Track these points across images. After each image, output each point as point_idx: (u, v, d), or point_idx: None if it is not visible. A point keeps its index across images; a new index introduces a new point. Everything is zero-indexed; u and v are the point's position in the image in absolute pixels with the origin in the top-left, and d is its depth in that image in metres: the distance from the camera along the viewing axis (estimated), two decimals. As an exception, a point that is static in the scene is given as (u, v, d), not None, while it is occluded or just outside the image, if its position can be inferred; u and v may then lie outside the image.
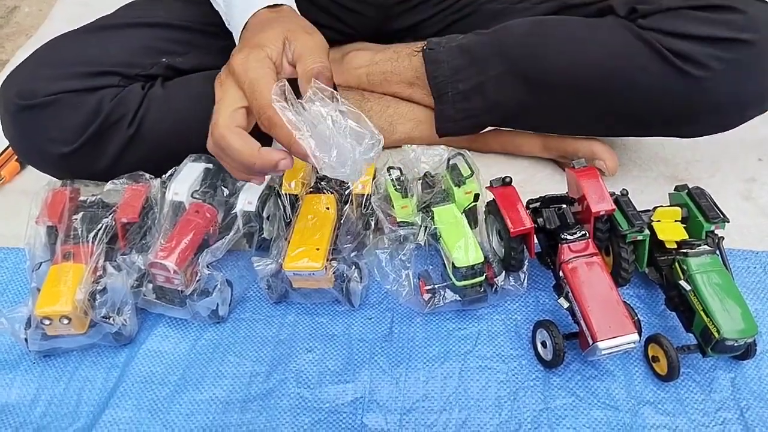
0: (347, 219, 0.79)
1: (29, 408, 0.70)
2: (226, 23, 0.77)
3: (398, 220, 0.79)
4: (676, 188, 0.79)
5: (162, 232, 0.75)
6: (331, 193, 0.81)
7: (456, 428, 0.66)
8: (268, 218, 0.81)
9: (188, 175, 0.80)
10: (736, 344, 0.66)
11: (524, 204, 0.74)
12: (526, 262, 0.75)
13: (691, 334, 0.70)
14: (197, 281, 0.74)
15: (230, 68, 0.64)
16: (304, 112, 0.60)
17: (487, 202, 0.78)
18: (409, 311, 0.77)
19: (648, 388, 0.69)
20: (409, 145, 0.87)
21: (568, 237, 0.71)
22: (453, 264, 0.72)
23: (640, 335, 0.68)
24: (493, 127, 0.94)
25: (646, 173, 0.94)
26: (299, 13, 0.72)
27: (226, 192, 0.81)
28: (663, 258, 0.73)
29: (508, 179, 0.75)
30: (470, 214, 0.80)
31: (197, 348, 0.75)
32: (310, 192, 0.81)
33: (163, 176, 0.82)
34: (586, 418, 0.67)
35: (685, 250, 0.71)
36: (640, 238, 0.72)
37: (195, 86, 0.84)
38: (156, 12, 0.90)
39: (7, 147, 0.98)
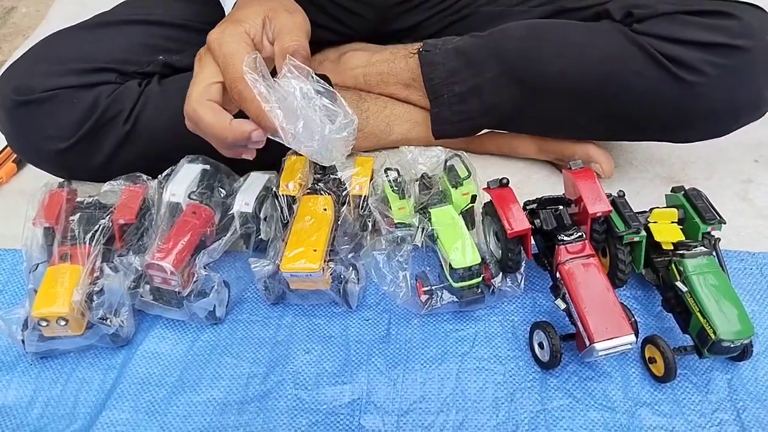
0: (344, 220, 0.79)
1: (26, 410, 0.70)
2: (221, 2, 0.77)
3: (395, 221, 0.79)
4: (673, 189, 0.79)
5: (159, 233, 0.75)
6: (329, 194, 0.80)
7: (453, 429, 0.66)
8: (265, 219, 0.81)
9: (185, 177, 0.80)
10: (732, 345, 0.66)
11: (521, 205, 0.74)
12: (523, 264, 0.75)
13: (687, 336, 0.70)
14: (194, 282, 0.74)
15: (207, 43, 0.64)
16: (276, 86, 0.60)
17: (484, 204, 0.78)
18: (406, 312, 0.77)
19: (645, 389, 0.69)
20: (406, 147, 0.86)
21: (565, 238, 0.71)
22: (450, 265, 0.72)
23: (636, 336, 0.68)
24: (489, 130, 0.94)
25: (643, 174, 0.94)
26: None
27: (223, 193, 0.81)
28: (660, 259, 0.73)
29: (505, 180, 0.75)
30: (467, 216, 0.80)
31: (194, 349, 0.74)
32: (308, 193, 0.81)
33: (160, 177, 0.82)
34: (583, 420, 0.67)
35: (681, 252, 0.71)
36: (636, 239, 0.73)
37: None
38: (154, 9, 0.90)
39: (4, 148, 0.98)
